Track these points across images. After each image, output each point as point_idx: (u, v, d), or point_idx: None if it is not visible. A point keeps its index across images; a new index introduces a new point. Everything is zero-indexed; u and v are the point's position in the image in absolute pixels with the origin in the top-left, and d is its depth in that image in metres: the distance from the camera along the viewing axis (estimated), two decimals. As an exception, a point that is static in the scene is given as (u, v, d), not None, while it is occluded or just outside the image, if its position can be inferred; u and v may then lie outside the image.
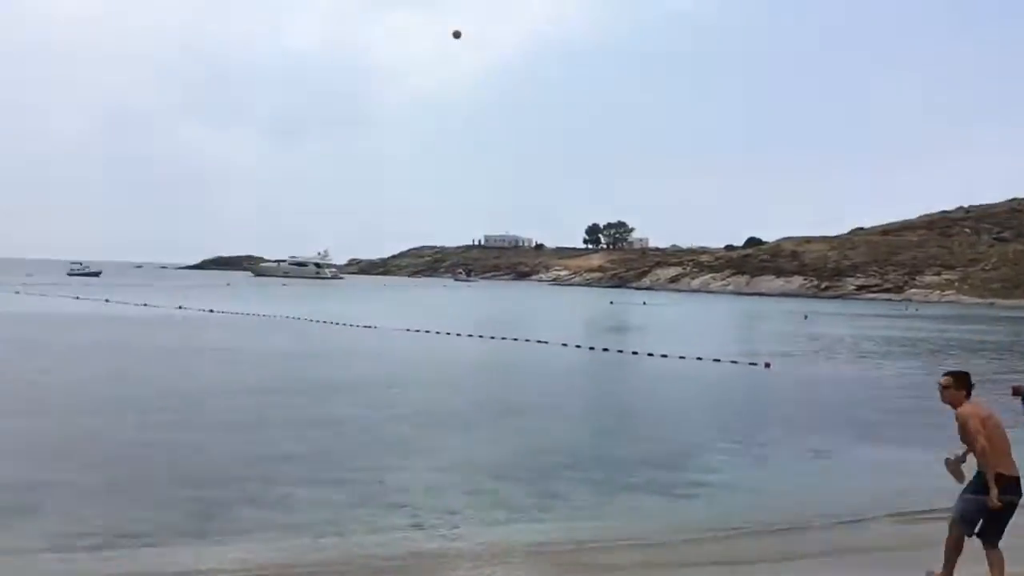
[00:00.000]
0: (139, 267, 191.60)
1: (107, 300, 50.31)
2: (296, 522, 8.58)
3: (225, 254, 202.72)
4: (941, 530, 6.59)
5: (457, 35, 10.97)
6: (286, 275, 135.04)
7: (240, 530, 8.31)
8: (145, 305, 46.80)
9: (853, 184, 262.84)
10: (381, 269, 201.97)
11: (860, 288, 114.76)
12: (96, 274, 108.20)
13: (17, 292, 57.02)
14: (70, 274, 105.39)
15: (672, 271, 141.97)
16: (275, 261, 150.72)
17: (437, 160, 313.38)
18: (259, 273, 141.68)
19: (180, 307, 45.44)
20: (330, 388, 18.47)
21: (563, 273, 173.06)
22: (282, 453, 11.70)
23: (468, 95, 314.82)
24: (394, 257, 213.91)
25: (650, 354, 27.27)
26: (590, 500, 9.94)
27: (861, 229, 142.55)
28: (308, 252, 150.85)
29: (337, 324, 37.17)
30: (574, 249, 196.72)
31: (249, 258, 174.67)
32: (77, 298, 52.65)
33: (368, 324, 36.76)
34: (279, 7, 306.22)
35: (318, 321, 38.41)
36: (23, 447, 11.78)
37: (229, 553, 7.57)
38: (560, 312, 60.70)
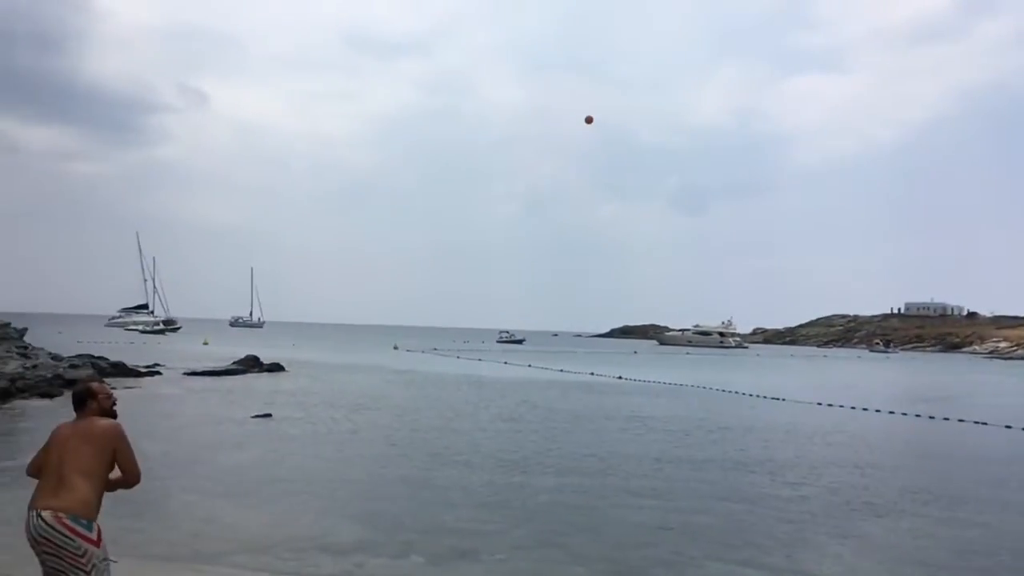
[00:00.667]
0: (556, 335, 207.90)
1: (529, 365, 55.37)
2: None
3: (632, 323, 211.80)
4: None
5: (589, 120, 10.71)
6: (690, 343, 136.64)
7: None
8: (562, 371, 50.62)
9: None
10: (788, 338, 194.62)
11: None
12: (520, 341, 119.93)
13: (458, 356, 65.43)
14: (499, 341, 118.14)
15: None
16: (679, 330, 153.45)
17: (846, 224, 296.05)
18: (664, 342, 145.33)
19: (592, 373, 48.30)
20: (738, 461, 18.13)
21: (1003, 345, 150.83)
22: (692, 523, 11.74)
23: (885, 155, 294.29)
24: (802, 326, 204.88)
25: None
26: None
27: None
28: (712, 321, 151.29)
29: (742, 394, 36.52)
30: (1016, 318, 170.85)
31: (654, 327, 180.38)
32: (505, 363, 58.71)
33: (775, 396, 35.56)
34: (683, 88, 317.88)
35: (723, 391, 38.13)
36: (460, 497, 13.33)
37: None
38: (1002, 388, 52.87)
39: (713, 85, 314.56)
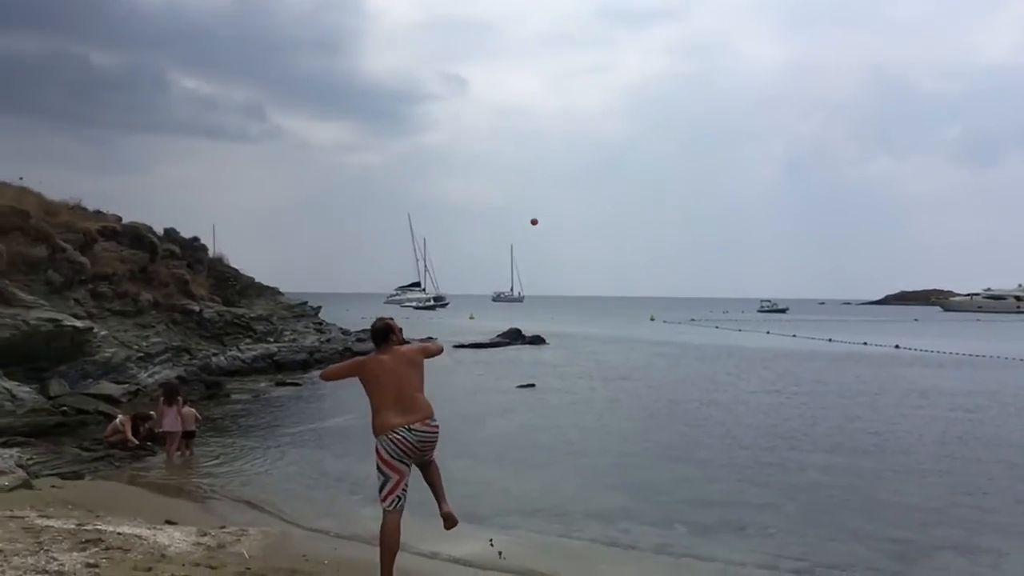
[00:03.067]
0: (822, 304, 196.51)
1: (794, 335, 52.81)
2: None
3: (909, 288, 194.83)
4: None
5: (534, 223, 9.64)
6: (980, 309, 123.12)
7: (944, 578, 7.82)
8: (830, 340, 47.73)
9: None
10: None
11: None
12: (783, 310, 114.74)
13: (716, 327, 63.90)
14: (760, 311, 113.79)
15: None
16: (967, 295, 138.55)
17: None
18: (949, 308, 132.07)
19: (865, 343, 45.09)
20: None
21: None
22: (982, 506, 10.64)
23: None
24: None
25: None
26: None
27: None
28: (1007, 284, 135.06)
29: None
30: None
31: (937, 292, 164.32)
32: (768, 333, 56.47)
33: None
34: (963, 28, 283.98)
35: (1021, 360, 33.95)
36: (722, 470, 13.05)
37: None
38: None
39: (999, 18, 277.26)
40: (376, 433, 6.08)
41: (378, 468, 6.08)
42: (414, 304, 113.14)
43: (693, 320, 78.53)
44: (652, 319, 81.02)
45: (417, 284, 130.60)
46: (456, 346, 39.56)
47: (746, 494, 11.16)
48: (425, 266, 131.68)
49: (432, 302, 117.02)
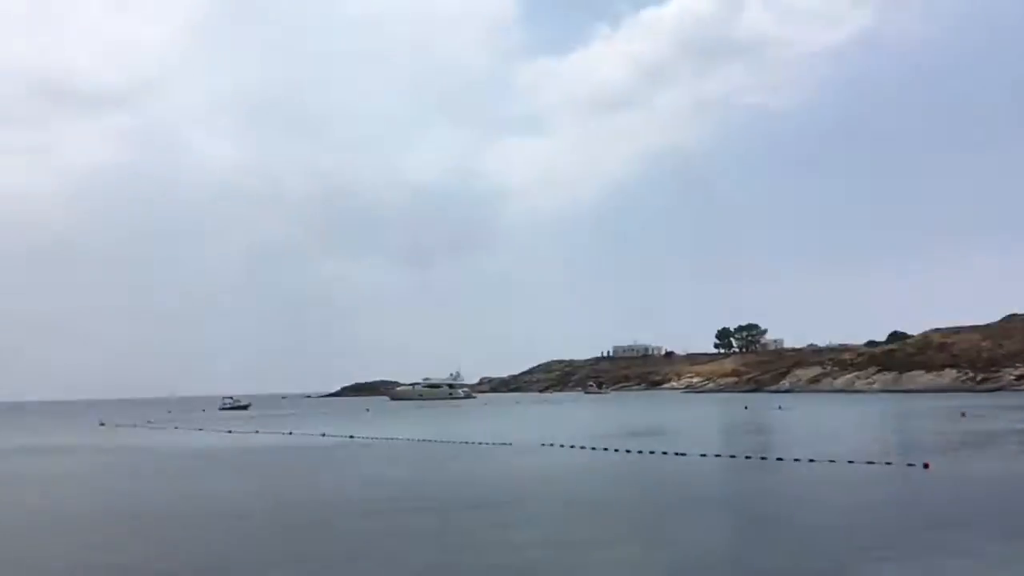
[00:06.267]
0: (284, 397, 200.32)
1: (257, 431, 52.79)
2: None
3: (363, 380, 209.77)
4: None
5: None
6: (421, 397, 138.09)
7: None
8: (291, 434, 48.82)
9: (1002, 267, 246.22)
10: (513, 386, 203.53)
11: (1020, 378, 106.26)
12: (246, 407, 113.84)
13: (176, 428, 60.69)
14: (222, 408, 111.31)
15: (812, 371, 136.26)
16: (410, 384, 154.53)
17: (563, 275, 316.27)
18: (395, 397, 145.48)
19: (323, 434, 47.11)
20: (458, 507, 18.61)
21: (695, 380, 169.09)
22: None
23: (587, 210, 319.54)
24: (524, 373, 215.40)
25: (796, 459, 26.14)
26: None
27: (1015, 315, 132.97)
28: (442, 373, 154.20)
29: (469, 443, 37.51)
30: (705, 354, 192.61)
31: (385, 383, 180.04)
32: (229, 431, 55.47)
33: (504, 441, 36.98)
34: (399, 148, 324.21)
35: (450, 442, 38.91)
36: None
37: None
38: (694, 421, 59.09)
39: (427, 146, 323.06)
40: None
41: None
42: None
43: (150, 422, 73.40)
44: (102, 424, 73.56)
45: None
46: None
47: None
48: None
49: None
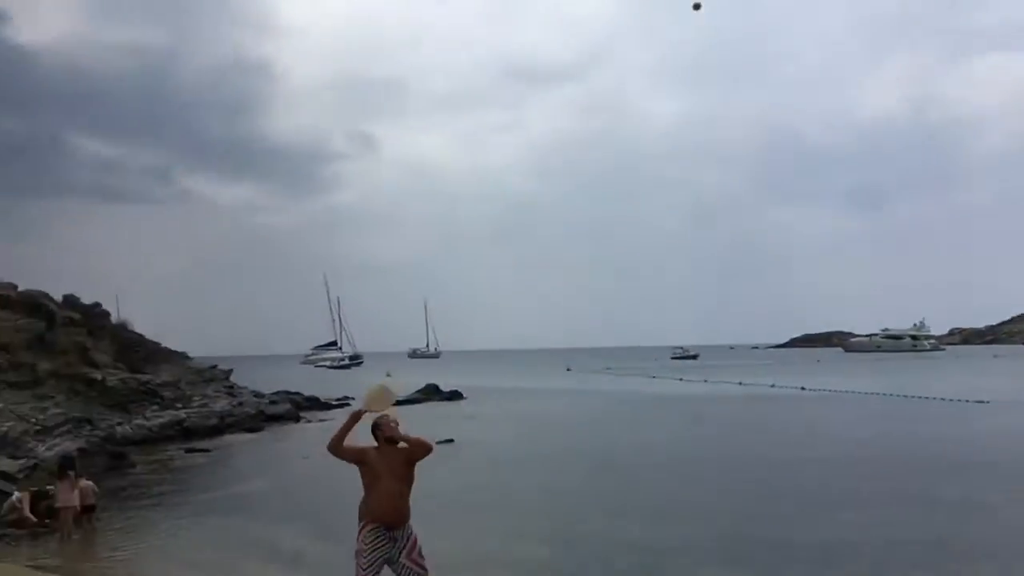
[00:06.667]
0: (732, 348, 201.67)
1: (705, 380, 54.09)
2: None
3: (812, 331, 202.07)
4: None
5: (697, 7, 9.35)
6: (879, 349, 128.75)
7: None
8: (740, 384, 49.11)
9: None
10: (989, 338, 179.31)
11: None
12: (695, 357, 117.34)
13: (631, 376, 64.93)
14: (672, 358, 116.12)
15: None
16: (866, 336, 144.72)
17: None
18: (850, 348, 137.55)
19: (772, 385, 46.54)
20: (946, 468, 16.97)
21: None
22: (903, 537, 11.16)
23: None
24: (1005, 323, 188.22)
25: None
26: None
27: None
28: (902, 324, 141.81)
29: (935, 399, 33.98)
30: None
31: (838, 334, 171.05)
32: (680, 379, 57.66)
33: (978, 399, 32.90)
34: (844, 83, 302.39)
35: (914, 397, 35.65)
36: (649, 517, 13.27)
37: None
38: None
39: (879, 76, 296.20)
40: (362, 518, 6.55)
41: (357, 552, 6.50)
42: (328, 364, 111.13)
43: (608, 369, 79.53)
44: (569, 369, 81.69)
45: (333, 343, 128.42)
46: (372, 405, 38.87)
47: (666, 536, 11.39)
48: (340, 325, 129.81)
49: (347, 361, 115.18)
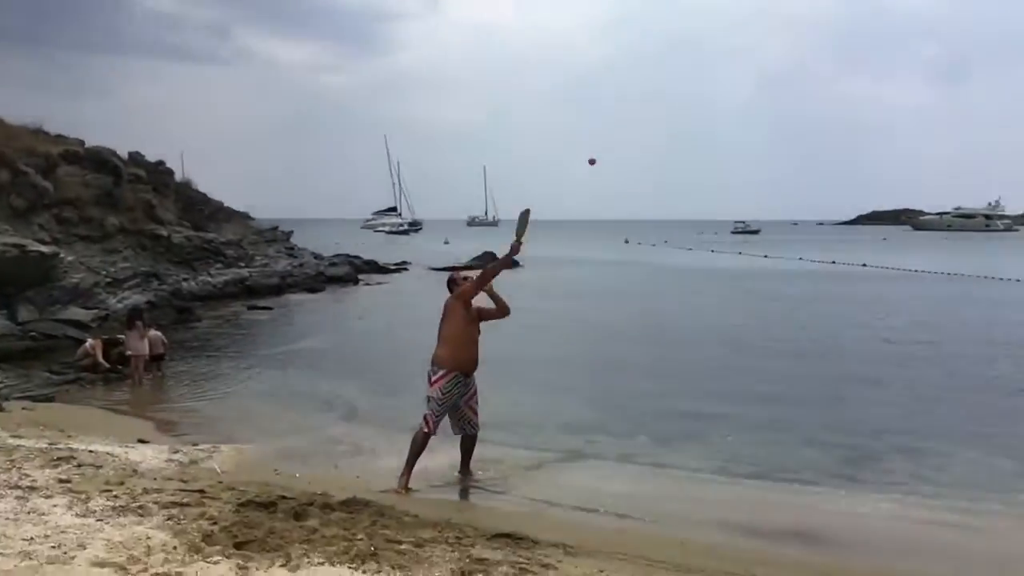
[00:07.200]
0: (795, 224, 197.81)
1: (765, 256, 53.30)
2: (954, 481, 8.14)
3: (880, 208, 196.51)
4: None
5: (592, 162, 9.22)
6: (949, 228, 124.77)
7: (891, 481, 8.16)
8: (800, 259, 48.28)
9: None
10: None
11: None
12: (756, 231, 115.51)
13: (690, 249, 64.25)
14: (733, 232, 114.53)
15: None
16: (937, 214, 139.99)
17: None
18: (919, 227, 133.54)
19: (834, 262, 45.62)
20: (989, 353, 16.64)
21: None
22: (936, 414, 11.08)
23: None
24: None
25: None
26: None
27: None
28: (977, 203, 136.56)
29: (1008, 280, 32.97)
30: None
31: (908, 211, 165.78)
32: (740, 253, 56.92)
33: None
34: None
35: (986, 277, 34.62)
36: (692, 379, 13.40)
37: (880, 502, 7.52)
38: None
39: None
40: (443, 366, 7.30)
41: (430, 399, 7.31)
42: (387, 229, 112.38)
43: (667, 242, 78.87)
44: (627, 241, 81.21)
45: (393, 209, 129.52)
46: (431, 269, 39.59)
47: (711, 404, 11.51)
48: (400, 190, 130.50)
49: (407, 227, 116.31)
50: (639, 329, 19.76)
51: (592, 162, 9.33)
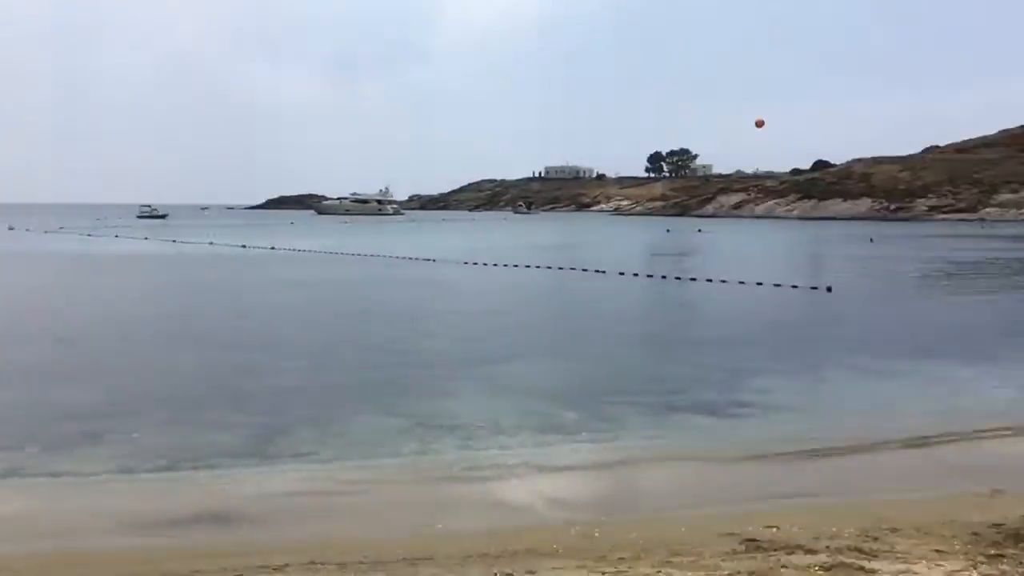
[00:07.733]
0: (205, 209, 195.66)
1: (174, 240, 51.68)
2: (353, 443, 8.87)
3: (288, 193, 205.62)
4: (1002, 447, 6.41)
5: (760, 124, 10.70)
6: (348, 212, 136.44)
7: (297, 453, 8.55)
8: (211, 244, 47.96)
9: (925, 102, 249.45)
10: (441, 204, 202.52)
11: (932, 209, 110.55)
12: (163, 216, 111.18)
13: (89, 235, 58.92)
14: (139, 216, 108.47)
15: (736, 197, 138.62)
16: (337, 199, 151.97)
17: (495, 93, 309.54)
18: (322, 211, 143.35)
19: (244, 246, 46.40)
20: (390, 316, 18.74)
21: (624, 203, 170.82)
22: (340, 380, 12.00)
23: (525, 25, 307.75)
24: (454, 192, 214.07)
25: (708, 280, 26.91)
26: (643, 420, 9.95)
27: (935, 147, 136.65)
28: (370, 189, 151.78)
29: (396, 257, 37.53)
30: (635, 178, 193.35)
31: (312, 196, 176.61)
32: (145, 239, 54.19)
33: (428, 257, 37.07)
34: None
35: (376, 255, 38.83)
36: (90, 377, 12.27)
37: (288, 472, 7.82)
38: (617, 241, 60.14)
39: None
40: None
41: None
42: None
43: (62, 228, 71.10)
44: (11, 228, 70.93)
45: None
46: None
47: (114, 401, 10.65)
48: None
49: None
50: (17, 329, 17.41)
51: (760, 124, 7.76)
